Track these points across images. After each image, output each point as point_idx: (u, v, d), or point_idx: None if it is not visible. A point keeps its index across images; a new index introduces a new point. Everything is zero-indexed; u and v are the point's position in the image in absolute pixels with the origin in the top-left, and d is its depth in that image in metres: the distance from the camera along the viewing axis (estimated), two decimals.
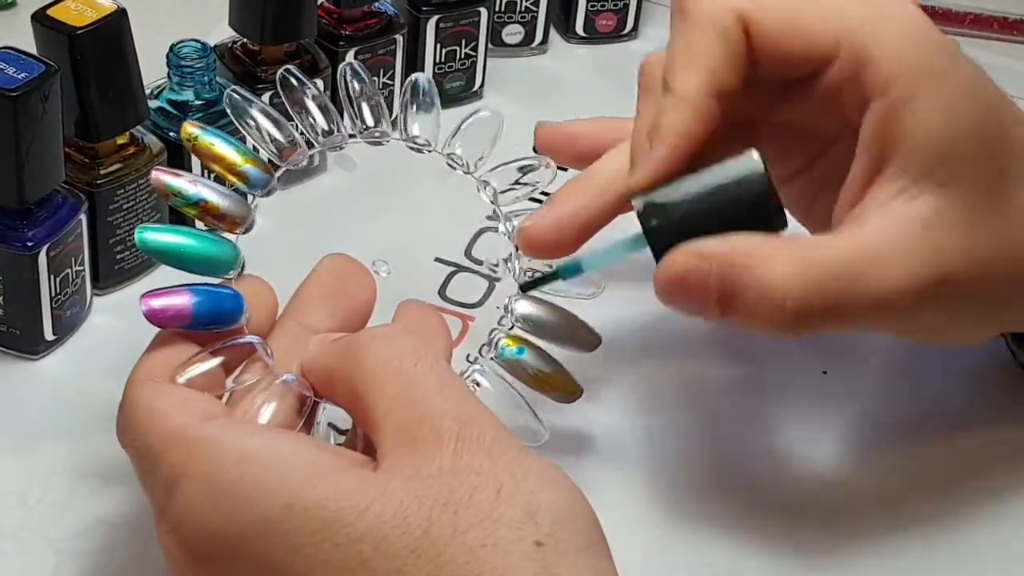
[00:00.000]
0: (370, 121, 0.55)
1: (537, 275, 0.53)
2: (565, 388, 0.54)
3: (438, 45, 0.72)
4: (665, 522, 0.55)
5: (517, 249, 0.55)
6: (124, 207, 0.60)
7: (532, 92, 0.75)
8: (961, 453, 0.58)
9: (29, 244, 0.56)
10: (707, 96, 0.50)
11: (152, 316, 0.48)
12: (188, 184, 0.50)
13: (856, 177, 0.51)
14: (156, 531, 0.45)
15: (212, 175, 0.52)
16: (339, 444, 0.53)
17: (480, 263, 0.65)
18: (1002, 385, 0.60)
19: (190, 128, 0.52)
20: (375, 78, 0.69)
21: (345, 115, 0.55)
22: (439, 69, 0.72)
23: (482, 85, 0.74)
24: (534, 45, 0.78)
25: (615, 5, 0.78)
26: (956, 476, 0.57)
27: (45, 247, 0.56)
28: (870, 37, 0.50)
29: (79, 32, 0.55)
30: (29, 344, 0.58)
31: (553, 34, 0.79)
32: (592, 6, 0.78)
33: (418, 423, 0.44)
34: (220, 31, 0.67)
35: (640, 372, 0.60)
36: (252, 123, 0.53)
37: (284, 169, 0.53)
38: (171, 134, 0.62)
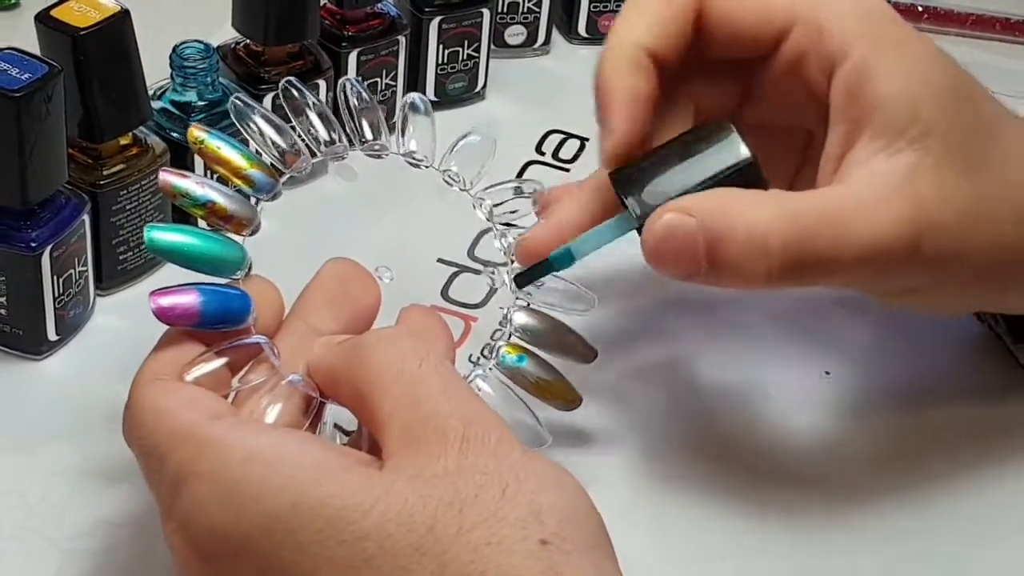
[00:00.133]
0: (369, 135, 0.55)
1: (528, 267, 0.53)
2: (565, 396, 0.54)
3: (440, 46, 0.72)
4: (666, 522, 0.55)
5: (513, 262, 0.55)
6: (127, 208, 0.60)
7: (534, 93, 0.75)
8: (958, 437, 0.58)
9: (32, 245, 0.56)
10: (641, 51, 0.51)
11: (161, 314, 0.48)
12: (196, 185, 0.50)
13: (834, 145, 0.51)
14: (163, 529, 0.45)
15: (217, 178, 0.52)
16: (344, 444, 0.54)
17: (483, 264, 0.65)
18: (999, 375, 0.61)
19: (196, 132, 0.52)
20: (373, 95, 0.69)
21: (345, 129, 0.55)
22: (441, 70, 0.72)
23: (484, 86, 0.74)
24: (536, 46, 0.78)
25: (617, 6, 0.78)
26: (957, 458, 0.58)
27: (48, 248, 0.56)
28: (823, 6, 0.52)
29: (82, 33, 0.56)
30: (32, 344, 0.58)
31: (555, 35, 0.79)
32: (594, 7, 0.78)
33: (423, 423, 0.44)
34: (223, 32, 0.67)
35: (641, 373, 0.60)
36: (256, 129, 0.53)
37: (289, 175, 0.53)
38: (174, 135, 0.62)
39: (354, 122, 0.55)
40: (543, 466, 0.44)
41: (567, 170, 0.69)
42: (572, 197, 0.56)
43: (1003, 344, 0.61)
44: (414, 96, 0.56)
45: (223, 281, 0.50)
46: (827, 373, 0.60)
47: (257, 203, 0.52)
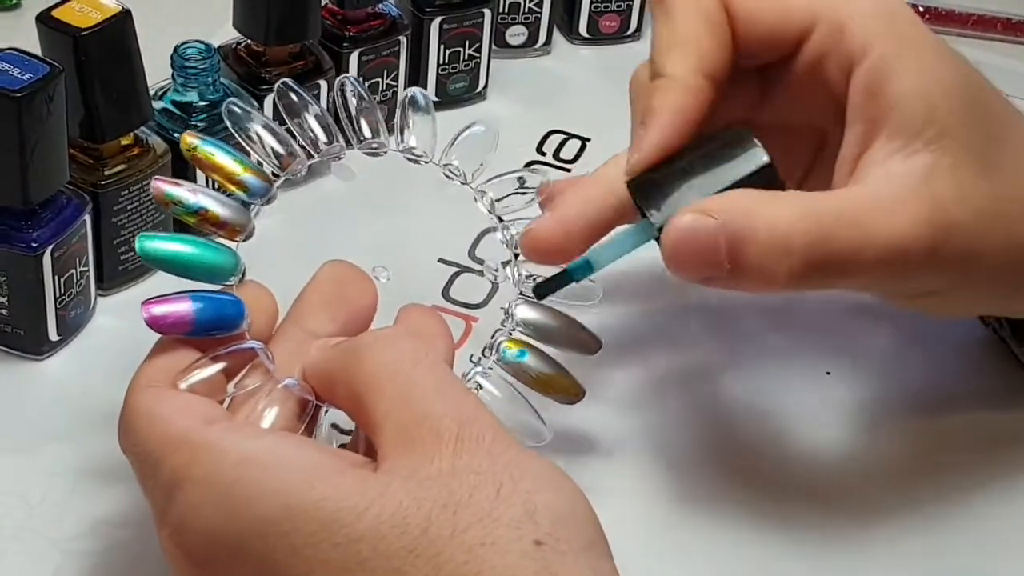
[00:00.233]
0: (368, 134, 0.55)
1: (546, 278, 0.52)
2: (568, 390, 0.54)
3: (442, 46, 0.72)
4: (667, 523, 0.55)
5: (517, 256, 0.55)
6: (128, 208, 0.60)
7: (535, 93, 0.75)
8: (963, 440, 0.58)
9: (34, 245, 0.56)
10: (699, 76, 0.51)
11: (153, 323, 0.48)
12: (188, 193, 0.50)
13: (850, 146, 0.51)
14: (158, 535, 0.45)
15: (215, 184, 0.52)
16: (343, 445, 0.54)
17: (483, 263, 0.65)
18: (1006, 380, 0.60)
19: (189, 138, 0.52)
20: (371, 94, 0.69)
21: (343, 128, 0.55)
22: (443, 70, 0.72)
23: (486, 86, 0.74)
24: (537, 46, 0.78)
25: (618, 6, 0.78)
26: (963, 464, 0.58)
27: (49, 248, 0.56)
28: (843, 5, 0.51)
29: (83, 33, 0.56)
30: (33, 344, 0.58)
31: (556, 35, 0.79)
32: (595, 7, 0.78)
33: (417, 424, 0.44)
34: (224, 32, 0.67)
35: (642, 373, 0.60)
36: (251, 134, 0.53)
37: (283, 179, 0.53)
38: (175, 135, 0.62)
39: (352, 122, 0.55)
40: (539, 466, 0.44)
41: (568, 170, 0.69)
42: (577, 191, 0.56)
43: (1008, 348, 0.61)
44: (414, 91, 0.56)
45: (217, 287, 0.50)
46: (828, 373, 0.60)
47: (252, 208, 0.52)
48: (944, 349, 0.61)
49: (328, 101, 0.66)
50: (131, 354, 0.49)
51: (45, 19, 0.56)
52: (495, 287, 0.64)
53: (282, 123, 0.54)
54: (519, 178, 0.56)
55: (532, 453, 0.44)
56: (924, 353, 0.61)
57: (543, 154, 0.71)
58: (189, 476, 0.44)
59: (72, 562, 0.51)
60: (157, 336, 0.49)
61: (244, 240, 0.51)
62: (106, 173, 0.59)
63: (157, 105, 0.62)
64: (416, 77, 0.72)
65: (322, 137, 0.55)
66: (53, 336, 0.58)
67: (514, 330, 0.54)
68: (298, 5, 0.64)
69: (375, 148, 0.55)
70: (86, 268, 0.59)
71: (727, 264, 0.48)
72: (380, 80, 0.70)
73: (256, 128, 0.53)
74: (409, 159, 0.56)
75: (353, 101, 0.55)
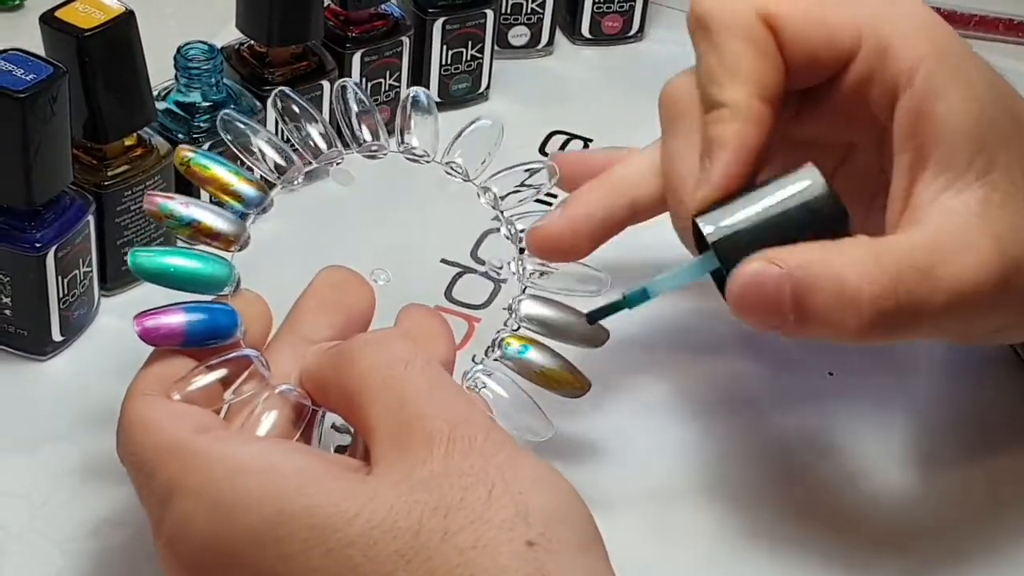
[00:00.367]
0: (367, 137, 0.55)
1: (601, 305, 0.52)
2: (572, 383, 0.54)
3: (444, 47, 0.72)
4: (669, 524, 0.55)
5: (522, 252, 0.55)
6: (132, 208, 0.60)
7: (538, 94, 0.76)
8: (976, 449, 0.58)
9: (37, 245, 0.56)
10: (759, 102, 0.50)
11: (145, 336, 0.48)
12: (180, 206, 0.51)
13: (899, 180, 0.50)
14: (154, 544, 0.45)
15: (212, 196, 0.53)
16: (344, 446, 0.54)
17: (485, 263, 0.65)
18: (1009, 382, 0.60)
19: (183, 152, 0.52)
20: (374, 95, 0.69)
21: (342, 132, 0.55)
22: (445, 71, 0.73)
23: (488, 87, 0.74)
24: (540, 47, 0.78)
25: (621, 7, 0.78)
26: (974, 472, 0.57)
27: (53, 248, 0.56)
28: (887, 26, 0.50)
29: (87, 34, 0.56)
30: (37, 345, 0.58)
31: (559, 36, 0.79)
32: (598, 8, 0.78)
33: (409, 426, 0.44)
34: (227, 33, 0.67)
35: (645, 375, 0.60)
36: (246, 143, 0.54)
37: (279, 187, 0.54)
38: (178, 136, 0.62)
39: (352, 127, 0.55)
40: (532, 466, 0.44)
41: None
42: (593, 191, 0.55)
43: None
44: (417, 90, 0.56)
45: (210, 297, 0.50)
46: (830, 374, 0.60)
47: (247, 218, 0.52)
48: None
49: (329, 103, 0.66)
50: (134, 354, 0.49)
51: (48, 19, 0.56)
52: (497, 288, 0.64)
53: (279, 131, 0.54)
54: (527, 170, 0.56)
55: (526, 453, 0.44)
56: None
57: (545, 155, 0.71)
58: (182, 485, 0.44)
59: (75, 562, 0.51)
60: None
61: (239, 250, 0.51)
62: (109, 174, 0.59)
63: (160, 106, 0.62)
64: (419, 78, 0.72)
65: (321, 144, 0.55)
66: (56, 336, 0.59)
67: (519, 326, 0.54)
68: (301, 6, 0.64)
69: (374, 151, 0.56)
70: (89, 268, 0.59)
71: (792, 315, 0.48)
72: (383, 81, 0.70)
73: (252, 137, 0.54)
74: (410, 159, 0.56)
75: (353, 105, 0.55)
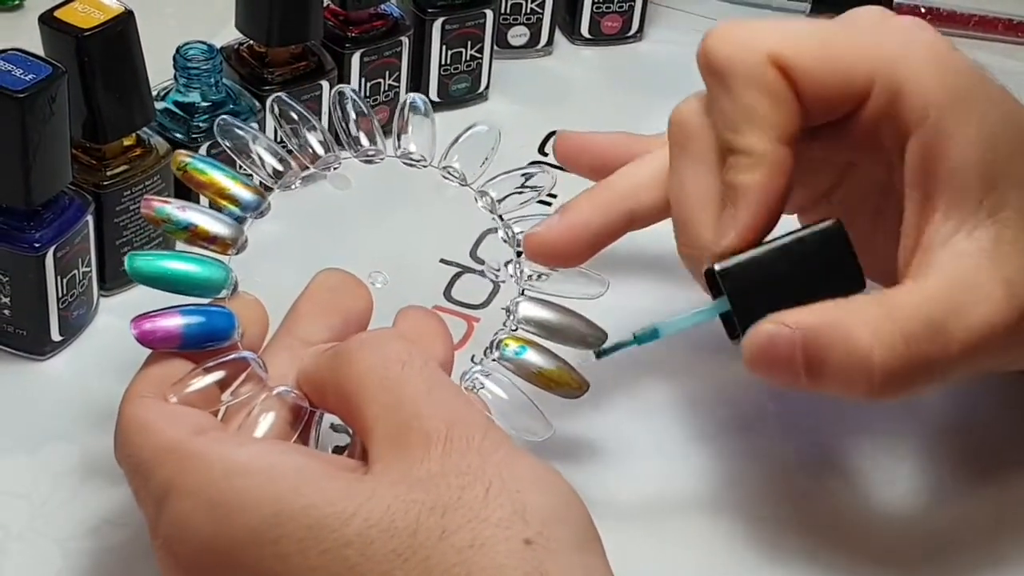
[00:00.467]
0: (365, 142, 0.55)
1: (612, 343, 0.52)
2: (570, 384, 0.54)
3: (444, 47, 0.72)
4: (668, 524, 0.55)
5: (520, 255, 0.55)
6: (131, 208, 0.60)
7: (537, 94, 0.76)
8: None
9: (36, 245, 0.56)
10: (779, 147, 0.50)
11: (142, 339, 0.49)
12: (177, 210, 0.51)
13: (911, 217, 0.50)
14: (151, 544, 0.45)
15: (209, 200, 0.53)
16: (342, 446, 0.54)
17: (484, 264, 0.65)
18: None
19: (180, 157, 0.53)
20: (372, 96, 0.69)
21: (340, 137, 0.55)
22: (444, 71, 0.73)
23: (487, 87, 0.74)
24: (539, 47, 0.78)
25: (620, 7, 0.78)
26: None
27: (52, 248, 0.56)
28: (901, 67, 0.50)
29: (86, 34, 0.56)
30: (36, 345, 0.59)
31: (558, 36, 0.79)
32: (597, 8, 0.78)
33: (406, 426, 0.44)
34: (226, 33, 0.67)
35: (644, 375, 0.60)
36: (244, 148, 0.54)
37: (276, 191, 0.54)
38: (178, 136, 0.62)
39: (349, 132, 0.56)
40: (529, 465, 0.44)
41: (564, 169, 0.69)
42: (592, 198, 0.56)
43: None
44: (414, 96, 0.56)
45: (207, 300, 0.50)
46: None
47: (247, 222, 0.52)
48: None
49: (328, 105, 0.66)
50: (133, 354, 0.49)
51: (48, 20, 0.56)
52: (496, 288, 0.64)
53: (277, 135, 0.55)
54: (524, 175, 0.56)
55: (524, 452, 0.44)
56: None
57: (545, 155, 0.71)
58: (179, 486, 0.44)
59: (75, 562, 0.51)
60: None
61: (237, 253, 0.52)
62: (108, 174, 0.59)
63: (159, 106, 0.62)
64: (418, 78, 0.72)
65: (317, 148, 0.55)
66: (55, 336, 0.59)
67: (517, 328, 0.54)
68: (300, 6, 0.65)
69: (371, 156, 0.56)
70: (88, 268, 0.59)
71: (804, 376, 0.48)
72: (382, 81, 0.70)
73: (249, 142, 0.54)
74: (407, 163, 0.56)
75: (351, 111, 0.56)
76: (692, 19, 0.82)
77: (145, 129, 0.60)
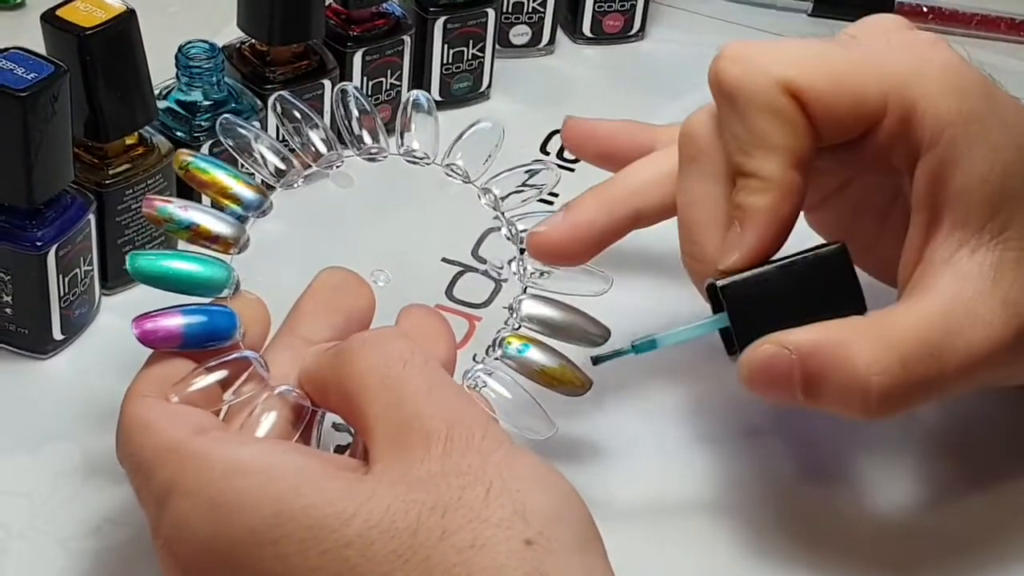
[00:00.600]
0: (368, 140, 0.55)
1: (608, 351, 0.53)
2: (573, 382, 0.54)
3: (445, 46, 0.72)
4: (669, 525, 0.55)
5: (523, 252, 0.55)
6: (132, 207, 0.60)
7: (539, 93, 0.76)
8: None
9: (38, 244, 0.56)
10: (790, 172, 0.49)
11: (144, 338, 0.48)
12: (179, 209, 0.51)
13: (914, 235, 0.50)
14: (152, 544, 0.45)
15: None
16: (344, 446, 0.54)
17: (486, 262, 0.65)
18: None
19: (182, 156, 0.53)
20: (375, 95, 0.69)
21: (342, 135, 0.55)
22: (446, 70, 0.73)
23: (489, 86, 0.74)
24: (541, 46, 0.78)
25: (622, 6, 0.78)
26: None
27: (54, 247, 0.56)
28: (913, 88, 0.50)
29: (88, 32, 0.56)
30: (38, 344, 0.59)
31: (560, 35, 0.79)
32: (599, 7, 0.78)
33: (407, 425, 0.44)
34: (228, 32, 0.67)
35: (647, 374, 0.60)
36: (246, 147, 0.54)
37: (279, 190, 0.54)
38: (179, 134, 0.62)
39: (352, 130, 0.55)
40: (530, 465, 0.44)
41: (572, 170, 0.69)
42: (596, 197, 0.55)
43: None
44: (417, 93, 0.56)
45: (209, 299, 0.50)
46: None
47: (246, 220, 0.52)
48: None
49: (331, 104, 0.66)
50: (135, 353, 0.49)
51: (50, 18, 0.56)
52: (498, 287, 0.64)
53: (279, 134, 0.55)
54: (528, 171, 0.56)
55: (524, 452, 0.44)
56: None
57: (546, 153, 0.71)
58: (180, 486, 0.44)
59: (76, 561, 0.51)
60: None
61: (238, 252, 0.52)
62: (110, 172, 0.59)
63: (161, 104, 0.62)
64: (420, 77, 0.72)
65: (320, 147, 0.55)
66: (57, 335, 0.59)
67: (519, 326, 0.54)
68: (302, 5, 0.64)
69: (374, 154, 0.56)
70: (90, 267, 0.59)
71: (801, 396, 0.49)
72: (384, 80, 0.70)
73: (251, 141, 0.54)
74: (410, 161, 0.56)
75: (353, 109, 0.56)
76: (694, 18, 0.82)
77: (147, 128, 0.60)
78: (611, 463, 0.56)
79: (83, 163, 0.59)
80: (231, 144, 0.54)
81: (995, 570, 0.54)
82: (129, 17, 0.57)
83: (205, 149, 0.62)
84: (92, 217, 0.58)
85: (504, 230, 0.56)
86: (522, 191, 0.56)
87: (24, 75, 0.53)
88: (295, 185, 0.54)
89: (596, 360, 0.53)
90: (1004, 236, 0.49)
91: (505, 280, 0.64)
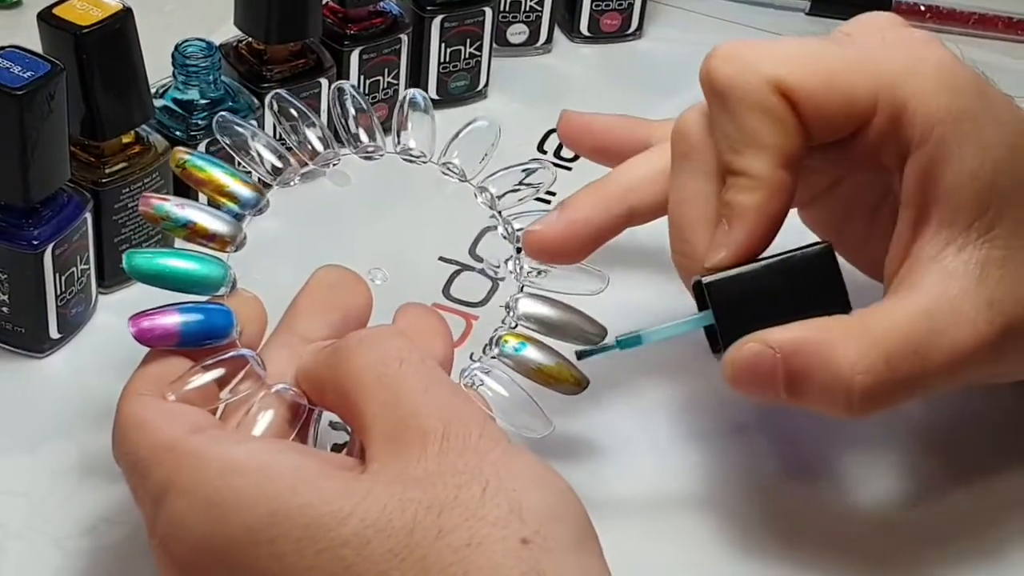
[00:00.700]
0: (364, 138, 0.55)
1: (591, 346, 0.53)
2: (570, 380, 0.54)
3: (443, 45, 0.72)
4: (666, 523, 0.55)
5: (519, 251, 0.55)
6: (129, 206, 0.60)
7: (536, 92, 0.75)
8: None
9: (35, 243, 0.56)
10: (779, 171, 0.50)
11: (140, 337, 0.48)
12: (176, 207, 0.51)
13: (902, 231, 0.50)
14: (149, 543, 0.45)
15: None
16: (341, 444, 0.54)
17: (483, 261, 0.65)
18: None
19: (179, 154, 0.53)
20: (372, 93, 0.69)
21: (339, 133, 0.55)
22: (443, 69, 0.72)
23: (486, 85, 0.74)
24: (538, 45, 0.78)
25: (619, 4, 0.78)
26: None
27: (50, 246, 0.56)
28: (905, 87, 0.50)
29: (85, 31, 0.56)
30: (34, 342, 0.58)
31: (557, 34, 0.79)
32: (596, 5, 0.78)
33: (404, 424, 0.44)
34: (225, 30, 0.67)
35: (644, 372, 0.60)
36: (243, 145, 0.54)
37: (275, 188, 0.54)
38: (176, 133, 0.62)
39: (348, 128, 0.55)
40: (526, 463, 0.44)
41: (569, 168, 0.69)
42: (591, 195, 0.55)
43: None
44: (414, 92, 0.56)
45: (206, 297, 0.50)
46: None
47: (246, 219, 0.52)
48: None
49: (327, 102, 0.66)
50: (132, 352, 0.49)
51: (46, 17, 0.56)
52: (495, 286, 0.64)
53: (276, 132, 0.55)
54: (524, 170, 0.56)
55: (521, 450, 0.44)
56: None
57: (544, 152, 0.71)
58: (176, 485, 0.44)
59: (73, 560, 0.51)
60: None
61: (236, 250, 0.52)
62: (107, 171, 0.59)
63: (158, 103, 0.62)
64: (417, 75, 0.72)
65: (316, 145, 0.55)
66: (54, 334, 0.59)
67: (516, 324, 0.54)
68: (299, 3, 0.64)
69: (370, 152, 0.56)
70: (87, 266, 0.59)
71: (785, 395, 0.49)
72: (381, 78, 0.70)
73: (248, 139, 0.54)
74: (406, 160, 0.56)
75: (350, 107, 0.56)
76: (692, 17, 0.82)
77: (144, 126, 0.60)
78: (607, 461, 0.56)
79: (80, 161, 0.59)
80: (228, 142, 0.54)
81: (979, 566, 0.54)
82: (126, 15, 0.57)
83: (202, 147, 0.62)
84: (89, 215, 0.58)
85: (501, 229, 0.56)
86: (519, 190, 0.56)
87: (20, 73, 0.53)
88: (292, 183, 0.54)
89: (580, 355, 0.53)
90: (991, 235, 0.49)
91: (502, 279, 0.64)
